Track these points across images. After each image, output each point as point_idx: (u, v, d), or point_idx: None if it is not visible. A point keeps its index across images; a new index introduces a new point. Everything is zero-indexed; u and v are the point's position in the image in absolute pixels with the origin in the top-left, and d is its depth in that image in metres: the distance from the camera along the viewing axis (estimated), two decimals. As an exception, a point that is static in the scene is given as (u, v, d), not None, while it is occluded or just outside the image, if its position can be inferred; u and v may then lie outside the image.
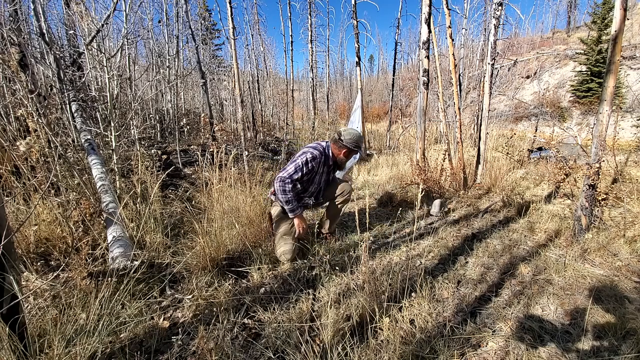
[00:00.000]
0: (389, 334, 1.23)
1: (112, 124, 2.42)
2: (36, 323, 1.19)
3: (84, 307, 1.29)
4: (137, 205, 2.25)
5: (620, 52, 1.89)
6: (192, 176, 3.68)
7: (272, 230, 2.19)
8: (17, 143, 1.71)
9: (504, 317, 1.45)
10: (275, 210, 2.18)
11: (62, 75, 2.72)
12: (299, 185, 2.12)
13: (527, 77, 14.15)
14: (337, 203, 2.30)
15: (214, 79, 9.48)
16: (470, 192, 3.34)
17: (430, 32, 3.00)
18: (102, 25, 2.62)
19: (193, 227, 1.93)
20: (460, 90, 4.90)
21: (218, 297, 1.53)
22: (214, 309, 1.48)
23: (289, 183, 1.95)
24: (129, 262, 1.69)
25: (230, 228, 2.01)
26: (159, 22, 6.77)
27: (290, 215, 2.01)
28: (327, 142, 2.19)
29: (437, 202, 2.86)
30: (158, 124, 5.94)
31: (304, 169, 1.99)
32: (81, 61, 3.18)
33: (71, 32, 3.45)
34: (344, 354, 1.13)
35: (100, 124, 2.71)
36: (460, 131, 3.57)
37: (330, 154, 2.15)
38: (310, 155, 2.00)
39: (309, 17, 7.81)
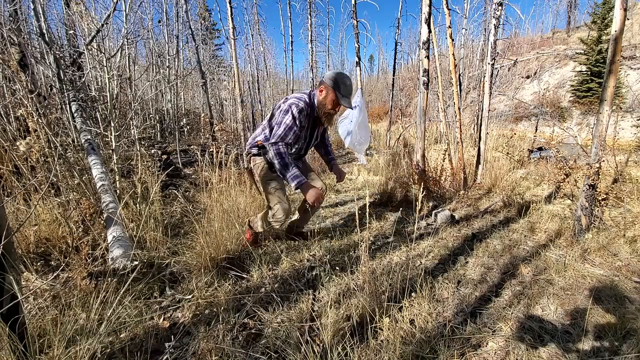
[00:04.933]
0: (389, 334, 1.23)
1: (112, 124, 2.42)
2: (36, 323, 1.19)
3: (84, 307, 1.29)
4: (137, 205, 2.25)
5: (620, 52, 1.89)
6: (192, 176, 3.68)
7: (257, 189, 2.05)
8: (17, 143, 1.71)
9: (504, 317, 1.45)
10: (259, 166, 1.93)
11: (62, 75, 2.72)
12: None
13: (527, 77, 14.14)
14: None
15: (214, 79, 9.48)
16: (470, 192, 3.34)
17: (430, 32, 3.00)
18: (102, 25, 2.62)
19: (193, 227, 1.93)
20: (460, 90, 4.89)
21: (218, 297, 1.53)
22: (214, 309, 1.48)
23: (282, 146, 1.71)
24: (129, 262, 1.69)
25: (230, 228, 2.01)
26: (159, 22, 6.77)
27: (294, 184, 1.68)
28: (311, 90, 1.93)
29: (442, 215, 2.65)
30: (158, 124, 5.95)
31: (295, 127, 1.74)
32: (81, 61, 3.18)
33: (71, 32, 3.45)
34: (344, 354, 1.13)
35: (100, 124, 2.71)
36: (460, 131, 3.57)
37: (315, 102, 1.85)
38: (297, 109, 1.73)
39: (309, 17, 7.81)
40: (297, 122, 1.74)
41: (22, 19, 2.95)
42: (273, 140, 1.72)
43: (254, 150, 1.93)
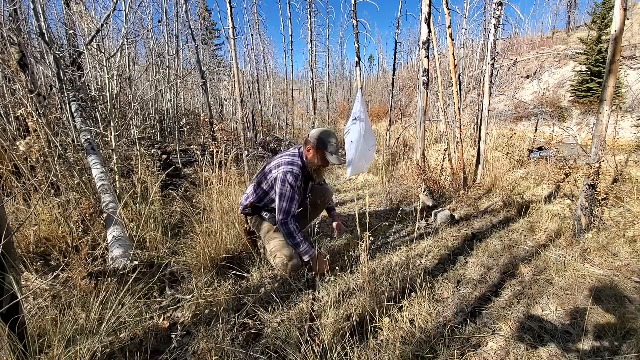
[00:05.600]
0: (389, 334, 1.23)
1: (112, 124, 2.42)
2: (36, 323, 1.19)
3: (84, 307, 1.29)
4: (137, 205, 2.25)
5: (620, 52, 1.89)
6: (192, 176, 3.68)
7: (259, 241, 2.05)
8: (17, 143, 1.71)
9: (504, 317, 1.45)
10: (255, 222, 1.98)
11: (62, 75, 2.72)
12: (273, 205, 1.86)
13: (527, 77, 14.14)
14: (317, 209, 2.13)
15: (214, 79, 9.47)
16: (470, 192, 3.34)
17: (430, 32, 3.00)
18: (102, 25, 2.62)
19: (193, 227, 1.93)
20: (460, 90, 4.89)
21: (218, 297, 1.53)
22: (214, 309, 1.48)
23: (291, 224, 1.73)
24: (129, 262, 1.69)
25: (230, 228, 2.01)
26: (159, 22, 6.76)
27: (306, 258, 1.75)
28: (299, 147, 1.91)
29: (442, 215, 2.65)
30: (158, 124, 5.94)
31: (295, 195, 1.74)
32: (81, 61, 3.18)
33: (71, 32, 3.44)
34: (344, 354, 1.13)
35: (100, 124, 2.71)
36: (461, 131, 3.56)
37: (305, 161, 1.84)
38: (293, 178, 1.71)
39: (309, 17, 7.81)
40: (296, 190, 1.75)
41: (22, 19, 2.95)
42: (282, 218, 1.73)
43: (248, 211, 1.96)
